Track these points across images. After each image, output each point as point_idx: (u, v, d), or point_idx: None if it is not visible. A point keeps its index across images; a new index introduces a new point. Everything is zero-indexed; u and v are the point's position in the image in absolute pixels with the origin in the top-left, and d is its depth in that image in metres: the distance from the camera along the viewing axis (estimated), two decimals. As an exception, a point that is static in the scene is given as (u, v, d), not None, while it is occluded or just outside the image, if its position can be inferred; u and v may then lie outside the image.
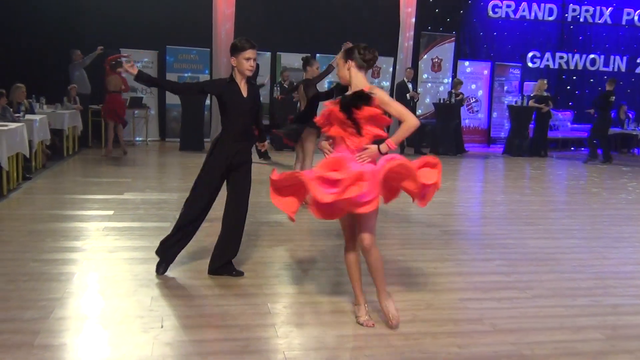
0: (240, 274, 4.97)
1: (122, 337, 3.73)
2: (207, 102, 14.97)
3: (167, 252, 4.91)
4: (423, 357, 3.61)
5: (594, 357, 3.73)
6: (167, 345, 3.64)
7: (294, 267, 5.35)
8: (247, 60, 4.63)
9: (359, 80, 3.94)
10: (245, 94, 4.75)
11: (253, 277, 5.00)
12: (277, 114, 13.86)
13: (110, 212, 7.15)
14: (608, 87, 13.94)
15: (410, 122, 3.84)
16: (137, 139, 14.68)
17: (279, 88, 14.78)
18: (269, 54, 15.53)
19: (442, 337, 3.92)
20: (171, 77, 14.97)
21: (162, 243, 4.94)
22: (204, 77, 15.24)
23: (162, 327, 3.90)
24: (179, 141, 13.87)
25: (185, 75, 15.15)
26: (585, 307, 4.60)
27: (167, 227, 6.44)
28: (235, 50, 4.64)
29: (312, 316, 4.21)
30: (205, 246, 5.77)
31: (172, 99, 14.80)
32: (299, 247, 6.03)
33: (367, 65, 3.97)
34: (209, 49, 15.21)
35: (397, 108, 3.88)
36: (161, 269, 4.91)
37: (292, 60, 15.57)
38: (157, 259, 5.05)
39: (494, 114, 16.89)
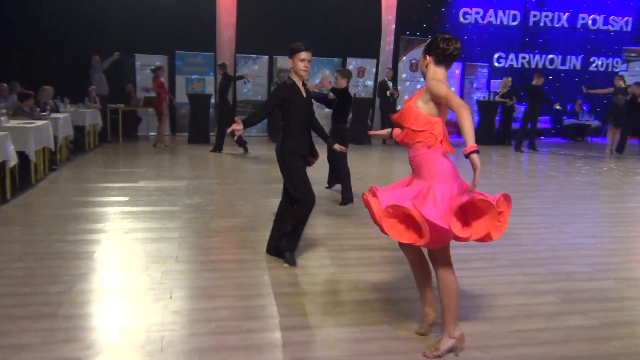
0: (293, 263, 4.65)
1: (136, 307, 3.73)
2: (212, 100, 14.92)
3: (291, 242, 4.71)
4: (401, 321, 3.61)
5: (549, 317, 3.75)
6: (175, 313, 3.64)
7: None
8: (302, 62, 4.45)
9: (437, 77, 3.10)
10: (304, 94, 4.60)
11: (252, 252, 4.99)
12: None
13: (127, 198, 7.12)
14: (534, 82, 13.51)
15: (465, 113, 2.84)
16: (151, 133, 14.59)
17: (275, 87, 14.76)
18: (267, 57, 15.48)
19: (419, 303, 3.92)
20: (180, 78, 15.02)
21: (284, 237, 4.70)
22: (209, 78, 15.19)
23: (170, 297, 3.89)
24: (188, 135, 13.80)
25: (193, 77, 15.08)
26: (543, 275, 4.62)
27: (177, 210, 6.46)
28: (291, 52, 4.47)
29: (306, 286, 4.21)
30: (212, 227, 5.77)
31: (182, 98, 14.74)
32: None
33: (446, 59, 3.10)
34: (213, 54, 15.10)
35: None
36: (293, 260, 4.66)
37: (287, 63, 15.49)
38: (167, 238, 5.07)
39: (465, 108, 16.85)
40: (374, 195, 3.17)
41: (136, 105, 14.05)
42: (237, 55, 15.17)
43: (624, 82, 13.86)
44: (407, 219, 3.02)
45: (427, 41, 3.20)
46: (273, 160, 5.04)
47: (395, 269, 4.60)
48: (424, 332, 3.42)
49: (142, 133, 14.50)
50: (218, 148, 12.06)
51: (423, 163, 3.11)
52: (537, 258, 5.07)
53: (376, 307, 3.81)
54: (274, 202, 6.97)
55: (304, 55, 4.44)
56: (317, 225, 5.99)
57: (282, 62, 15.38)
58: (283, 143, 4.58)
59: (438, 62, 3.11)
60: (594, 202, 7.86)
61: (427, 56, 3.14)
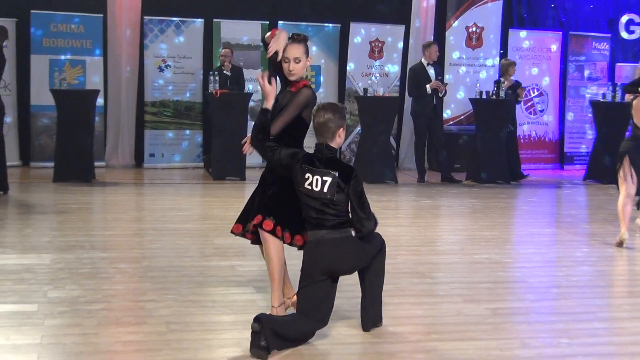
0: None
1: None
2: (100, 100, 9.12)
3: None
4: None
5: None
6: None
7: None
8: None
9: None
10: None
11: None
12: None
13: None
14: None
15: None
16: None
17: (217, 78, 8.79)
18: (200, 21, 9.69)
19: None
20: (38, 60, 8.85)
21: None
22: (94, 60, 9.30)
23: None
24: (53, 167, 8.19)
25: (63, 57, 8.89)
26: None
27: (34, 312, 3.88)
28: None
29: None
30: (101, 347, 3.50)
31: (40, 97, 8.67)
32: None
33: None
34: (101, 15, 9.24)
35: None
36: None
37: (236, 31, 9.34)
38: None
39: (570, 115, 11.30)
40: None
41: None
42: (144, 17, 9.59)
43: None
44: None
45: None
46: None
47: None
48: None
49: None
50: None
51: None
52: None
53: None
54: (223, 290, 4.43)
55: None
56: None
57: (228, 29, 9.78)
58: None
59: None
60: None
61: None
